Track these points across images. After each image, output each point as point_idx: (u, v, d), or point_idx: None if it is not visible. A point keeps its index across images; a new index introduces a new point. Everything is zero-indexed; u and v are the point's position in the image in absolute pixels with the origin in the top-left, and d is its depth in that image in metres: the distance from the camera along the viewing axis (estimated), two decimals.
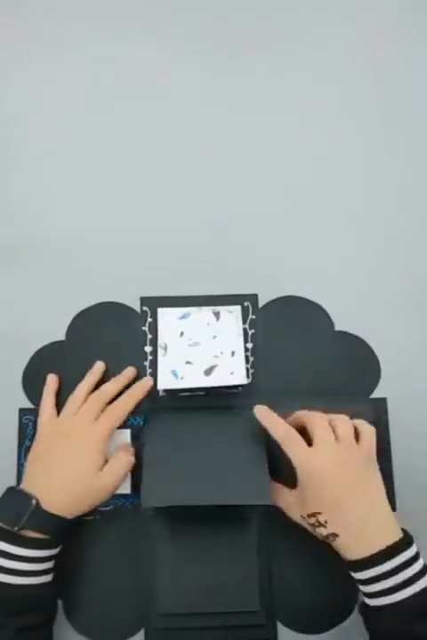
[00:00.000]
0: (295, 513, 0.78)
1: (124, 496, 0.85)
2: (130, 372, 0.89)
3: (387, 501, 0.75)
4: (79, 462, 0.79)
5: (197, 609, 0.80)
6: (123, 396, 0.86)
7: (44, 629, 0.77)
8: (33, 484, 0.77)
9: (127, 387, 0.87)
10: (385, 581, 0.71)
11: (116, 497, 0.83)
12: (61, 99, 1.01)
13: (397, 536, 0.72)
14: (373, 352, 0.91)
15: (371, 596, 0.73)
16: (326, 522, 0.73)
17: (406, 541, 0.72)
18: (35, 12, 1.03)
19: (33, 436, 0.86)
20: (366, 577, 0.72)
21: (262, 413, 0.80)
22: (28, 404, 0.90)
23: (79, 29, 1.03)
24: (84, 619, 0.83)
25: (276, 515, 0.81)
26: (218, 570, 0.82)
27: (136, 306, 0.93)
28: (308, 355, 0.90)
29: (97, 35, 1.03)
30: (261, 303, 0.93)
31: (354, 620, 0.82)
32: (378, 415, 0.87)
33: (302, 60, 1.02)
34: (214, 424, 0.85)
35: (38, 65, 1.02)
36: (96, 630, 0.82)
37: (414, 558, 0.72)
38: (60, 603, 0.82)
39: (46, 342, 0.92)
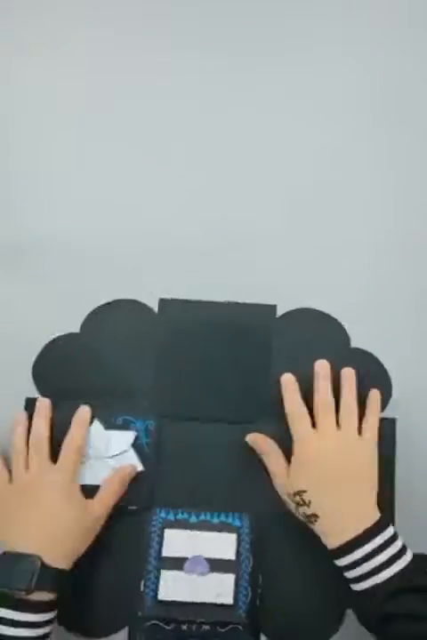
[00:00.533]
0: (282, 489, 0.80)
1: None
2: (42, 404, 0.87)
3: (374, 491, 0.78)
4: (65, 509, 0.79)
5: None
6: (70, 435, 0.85)
7: None
8: (28, 545, 0.75)
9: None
10: (365, 565, 0.72)
11: None
12: (62, 99, 1.02)
13: (372, 520, 0.74)
14: (386, 371, 0.89)
15: (355, 580, 0.74)
16: (309, 502, 0.76)
17: (381, 524, 0.74)
18: (34, 12, 1.05)
19: None
20: (347, 562, 0.74)
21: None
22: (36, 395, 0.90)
23: (79, 29, 1.04)
24: (68, 612, 0.82)
25: (265, 528, 0.83)
26: None
27: (153, 305, 0.93)
28: None
29: (97, 34, 1.04)
30: (279, 312, 0.92)
31: (342, 635, 0.81)
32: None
33: (303, 60, 1.02)
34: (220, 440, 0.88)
35: (38, 65, 1.03)
36: (81, 626, 0.83)
37: (392, 539, 0.73)
38: None
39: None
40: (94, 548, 0.82)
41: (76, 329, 0.93)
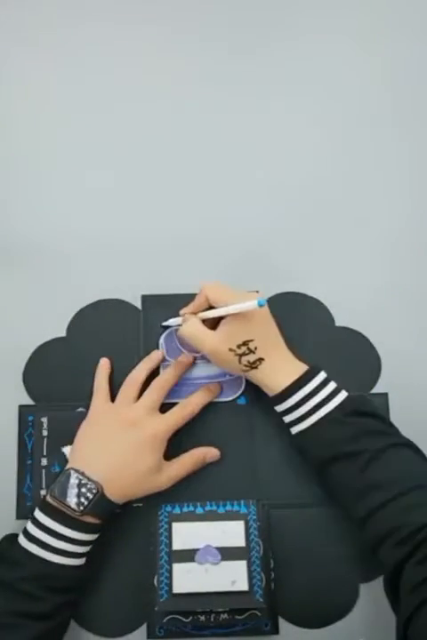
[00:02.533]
0: (222, 348, 0.82)
1: None
2: (186, 359, 0.89)
3: None
4: (143, 459, 0.80)
5: None
6: (189, 399, 0.87)
7: (74, 607, 0.79)
8: (93, 470, 0.78)
9: None
10: (309, 402, 0.80)
11: None
12: (59, 99, 1.01)
13: (305, 366, 0.82)
14: (373, 347, 0.91)
15: (299, 420, 0.81)
16: (256, 348, 0.81)
17: (315, 370, 0.82)
18: (33, 12, 1.03)
19: (33, 432, 0.88)
20: (291, 404, 0.80)
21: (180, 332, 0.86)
22: (28, 401, 0.90)
23: (79, 29, 1.03)
24: (86, 613, 0.83)
25: (277, 513, 0.85)
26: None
27: (137, 303, 0.93)
28: (308, 350, 0.89)
29: (95, 34, 1.02)
30: None
31: (354, 616, 0.83)
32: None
33: (303, 59, 1.02)
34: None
35: (36, 66, 1.01)
36: (98, 624, 0.83)
37: (327, 380, 0.81)
38: None
39: (47, 339, 0.92)
40: (104, 550, 0.83)
41: (62, 332, 0.91)
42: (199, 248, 0.95)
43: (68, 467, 0.79)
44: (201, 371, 0.91)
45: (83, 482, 0.77)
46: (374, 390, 0.90)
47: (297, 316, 0.93)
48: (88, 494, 0.76)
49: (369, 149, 0.99)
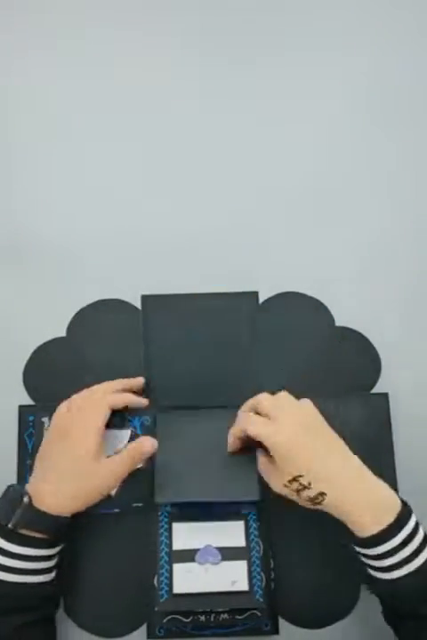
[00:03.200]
0: (277, 485, 0.76)
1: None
2: (135, 381, 0.88)
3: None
4: (78, 457, 0.77)
5: None
6: (110, 382, 0.85)
7: (45, 625, 0.77)
8: (32, 481, 0.77)
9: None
10: (401, 552, 0.70)
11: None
12: (61, 99, 1.01)
13: (399, 503, 0.72)
14: (373, 347, 0.91)
15: (386, 569, 0.71)
16: (309, 483, 0.72)
17: (408, 509, 0.73)
18: (34, 13, 1.03)
19: (33, 432, 0.88)
20: (381, 551, 0.70)
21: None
22: (28, 401, 0.90)
23: (80, 31, 1.03)
24: (85, 614, 0.83)
25: (276, 510, 0.83)
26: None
27: (137, 303, 0.93)
28: (308, 350, 0.90)
29: (97, 35, 1.03)
30: (261, 299, 0.93)
31: (355, 617, 0.83)
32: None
33: (302, 60, 1.02)
34: (215, 428, 0.85)
35: (39, 66, 1.02)
36: (98, 625, 0.83)
37: (417, 525, 0.72)
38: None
39: (47, 339, 0.92)
40: (104, 549, 0.83)
41: (62, 332, 0.91)
42: (199, 248, 0.95)
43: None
44: None
45: (11, 493, 0.75)
46: (374, 390, 0.90)
47: (297, 317, 0.93)
48: (14, 505, 0.73)
49: (367, 149, 1.00)
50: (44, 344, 0.92)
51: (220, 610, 0.81)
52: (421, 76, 1.02)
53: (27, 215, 0.97)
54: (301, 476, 0.73)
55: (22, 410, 0.89)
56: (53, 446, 0.79)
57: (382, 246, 0.96)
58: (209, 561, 0.80)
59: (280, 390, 0.80)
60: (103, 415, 0.80)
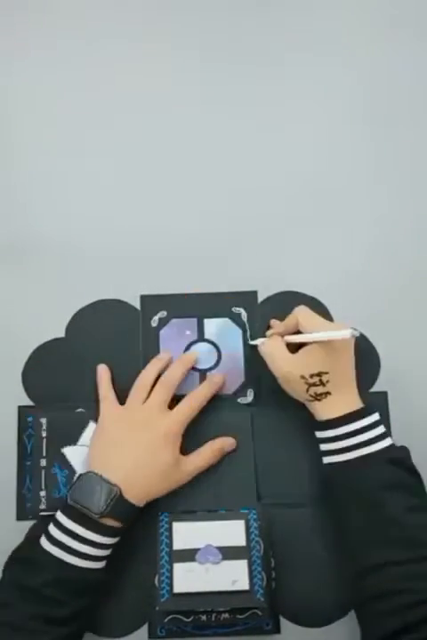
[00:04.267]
0: (295, 371, 0.82)
1: None
2: (190, 356, 0.89)
3: None
4: (159, 457, 0.80)
5: None
6: (194, 392, 0.87)
7: (91, 612, 0.79)
8: (111, 473, 0.78)
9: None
10: (356, 437, 0.78)
11: None
12: (62, 100, 1.01)
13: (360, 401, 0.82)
14: (372, 346, 0.91)
15: (335, 452, 0.79)
16: (327, 381, 0.80)
17: (370, 409, 0.81)
18: (34, 17, 1.03)
19: (32, 433, 0.88)
20: (341, 433, 0.79)
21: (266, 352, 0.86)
22: (27, 401, 0.90)
23: (81, 34, 1.03)
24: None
25: (277, 509, 0.85)
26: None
27: (136, 303, 0.93)
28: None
29: (98, 39, 1.03)
30: (260, 298, 0.93)
31: (353, 616, 0.81)
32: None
33: (302, 62, 1.02)
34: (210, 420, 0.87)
35: (40, 68, 1.02)
36: (100, 625, 0.83)
37: (378, 422, 0.80)
38: None
39: (46, 339, 0.92)
40: None
41: (60, 332, 0.91)
42: (198, 248, 0.95)
43: (86, 470, 0.79)
44: (202, 363, 0.91)
45: (102, 484, 0.77)
46: (374, 389, 0.90)
47: None
48: (107, 496, 0.76)
49: (367, 149, 1.00)
50: (43, 344, 0.91)
51: (220, 609, 0.81)
52: (421, 76, 1.02)
53: (25, 216, 0.97)
54: (326, 372, 0.80)
55: (21, 410, 0.89)
56: (131, 440, 0.81)
57: (381, 245, 0.96)
58: (209, 560, 0.80)
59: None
60: (181, 431, 0.84)
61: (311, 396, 0.81)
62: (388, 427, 0.87)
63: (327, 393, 0.80)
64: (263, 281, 0.94)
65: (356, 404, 0.81)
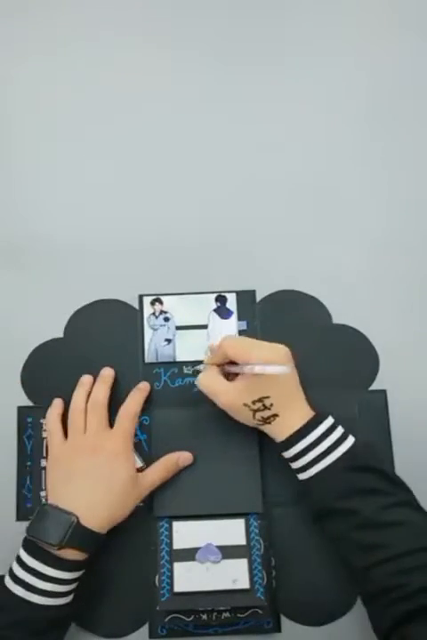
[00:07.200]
0: (236, 401, 0.80)
1: None
2: (107, 372, 0.89)
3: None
4: (116, 474, 0.80)
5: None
6: (127, 403, 0.86)
7: None
8: (69, 502, 0.77)
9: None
10: (312, 452, 0.77)
11: None
12: (61, 101, 1.01)
13: (312, 413, 0.80)
14: (371, 344, 0.91)
15: (302, 469, 0.79)
16: (271, 404, 0.79)
17: (323, 415, 0.80)
18: (34, 19, 1.04)
19: (32, 434, 0.88)
20: (297, 450, 0.78)
21: (199, 383, 0.84)
22: (26, 402, 0.90)
23: (80, 34, 1.03)
24: (87, 614, 0.83)
25: (277, 508, 0.85)
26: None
27: (134, 303, 0.93)
28: (306, 348, 0.90)
29: (98, 38, 1.03)
30: (258, 297, 0.93)
31: (354, 614, 0.83)
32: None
33: (302, 63, 1.03)
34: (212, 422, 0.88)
35: (41, 70, 1.02)
36: (101, 625, 0.83)
37: (333, 427, 0.79)
38: None
39: (45, 340, 0.91)
40: (105, 549, 0.82)
41: (59, 333, 0.91)
42: (197, 248, 0.95)
43: (42, 503, 0.78)
44: None
45: (58, 515, 0.76)
46: (373, 387, 0.90)
47: (294, 314, 0.93)
48: (65, 526, 0.74)
49: (366, 148, 1.00)
50: (42, 345, 0.91)
51: (221, 608, 0.81)
52: (423, 75, 1.02)
53: (24, 217, 0.97)
54: (267, 397, 0.79)
55: (21, 410, 0.89)
56: (82, 468, 0.80)
57: (380, 244, 0.96)
58: (210, 559, 0.81)
59: None
60: (128, 444, 0.83)
61: (259, 420, 0.80)
62: (387, 424, 0.88)
63: (274, 415, 0.80)
64: (263, 280, 0.94)
65: (307, 414, 0.80)
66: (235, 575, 0.80)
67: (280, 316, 0.92)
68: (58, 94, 1.01)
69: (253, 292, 0.94)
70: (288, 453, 0.80)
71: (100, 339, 0.92)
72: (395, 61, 1.02)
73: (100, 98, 1.01)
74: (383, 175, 0.99)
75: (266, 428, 0.81)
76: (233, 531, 0.83)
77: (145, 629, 0.82)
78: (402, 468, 0.86)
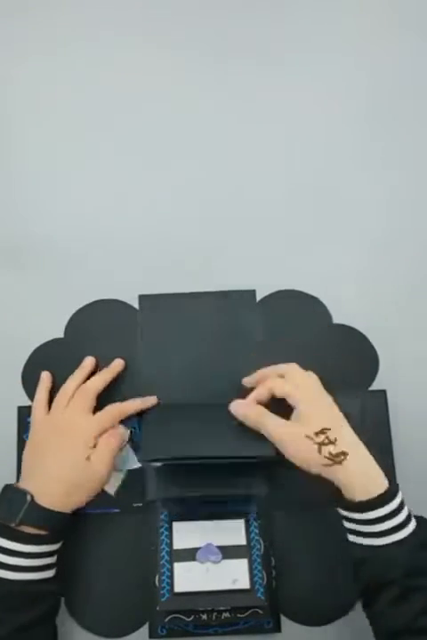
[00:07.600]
0: (298, 436, 0.75)
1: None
2: (117, 364, 0.89)
3: None
4: (69, 453, 0.79)
5: None
6: (123, 403, 0.86)
7: (46, 625, 0.77)
8: (28, 480, 0.78)
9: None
10: (390, 521, 0.71)
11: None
12: (61, 102, 1.01)
13: (386, 478, 0.74)
14: (371, 344, 0.91)
15: (374, 535, 0.72)
16: (336, 439, 0.73)
17: (396, 485, 0.75)
18: (34, 19, 1.04)
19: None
20: (372, 517, 0.72)
21: (236, 409, 0.81)
22: (27, 402, 0.89)
23: (80, 34, 1.03)
24: (87, 614, 0.83)
25: (277, 508, 0.85)
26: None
27: (134, 303, 0.93)
28: (306, 348, 0.90)
29: (98, 38, 1.03)
30: (258, 297, 0.93)
31: (357, 614, 0.82)
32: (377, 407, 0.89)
33: (302, 63, 1.03)
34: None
35: (41, 70, 1.02)
36: (100, 625, 0.83)
37: (403, 503, 0.74)
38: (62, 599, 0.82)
39: (45, 340, 0.92)
40: (105, 549, 0.83)
41: (59, 333, 0.91)
42: (197, 248, 0.95)
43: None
44: None
45: (15, 493, 0.76)
46: (372, 387, 0.90)
47: (295, 314, 0.93)
48: (19, 503, 0.75)
49: (366, 147, 1.00)
50: (43, 345, 0.91)
51: (221, 608, 0.81)
52: (423, 74, 1.02)
53: (24, 217, 0.97)
54: (328, 428, 0.74)
55: (21, 411, 0.89)
56: (48, 446, 0.81)
57: (380, 244, 0.96)
58: (210, 559, 0.81)
59: None
60: (98, 433, 0.82)
61: (327, 457, 0.73)
62: (387, 424, 0.88)
63: (344, 453, 0.73)
64: (263, 280, 0.94)
65: (380, 477, 0.74)
66: (235, 575, 0.80)
67: (280, 315, 0.92)
68: (58, 94, 1.01)
69: (253, 292, 0.93)
70: (354, 515, 0.73)
71: (101, 339, 0.91)
72: (395, 61, 1.02)
73: (101, 98, 1.01)
74: (383, 175, 0.98)
75: (335, 476, 0.74)
76: (233, 531, 0.83)
77: (145, 629, 0.82)
78: (402, 468, 0.86)
